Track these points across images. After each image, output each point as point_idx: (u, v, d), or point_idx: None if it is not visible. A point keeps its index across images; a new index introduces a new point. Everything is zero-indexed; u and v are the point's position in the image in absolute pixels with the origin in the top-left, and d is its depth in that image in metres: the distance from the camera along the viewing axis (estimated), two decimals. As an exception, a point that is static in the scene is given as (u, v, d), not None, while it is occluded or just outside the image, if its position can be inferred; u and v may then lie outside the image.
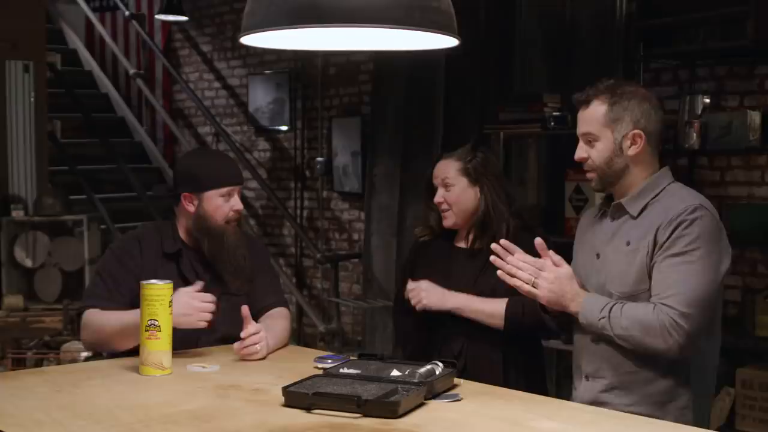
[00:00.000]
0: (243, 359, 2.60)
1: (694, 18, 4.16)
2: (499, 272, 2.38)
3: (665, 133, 4.37)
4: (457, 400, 2.19)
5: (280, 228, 6.96)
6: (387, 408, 2.02)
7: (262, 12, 2.10)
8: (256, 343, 2.60)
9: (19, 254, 6.03)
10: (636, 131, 2.34)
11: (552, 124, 4.43)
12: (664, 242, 2.27)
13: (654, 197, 2.36)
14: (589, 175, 2.43)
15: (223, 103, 7.47)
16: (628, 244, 2.34)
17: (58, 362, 4.66)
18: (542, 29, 4.97)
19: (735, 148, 4.02)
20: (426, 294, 2.82)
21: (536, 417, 2.07)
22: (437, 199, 2.92)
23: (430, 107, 5.44)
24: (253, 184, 6.94)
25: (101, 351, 2.77)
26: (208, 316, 2.58)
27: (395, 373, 2.29)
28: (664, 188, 2.38)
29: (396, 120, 5.68)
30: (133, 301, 2.60)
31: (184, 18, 6.92)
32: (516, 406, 2.19)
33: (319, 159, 6.49)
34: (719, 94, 4.26)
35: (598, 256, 2.43)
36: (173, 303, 2.46)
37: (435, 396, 2.19)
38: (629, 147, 2.35)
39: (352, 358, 2.51)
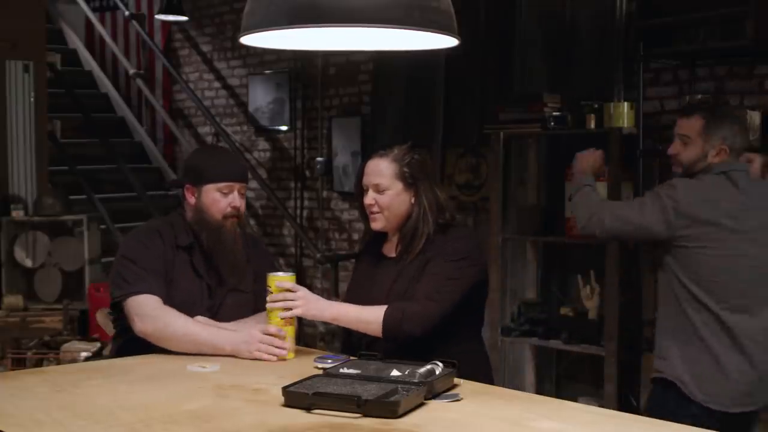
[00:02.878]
0: (254, 359, 2.59)
1: (694, 18, 4.16)
2: None
3: (665, 132, 4.41)
4: (457, 400, 2.19)
5: (280, 228, 6.96)
6: (387, 408, 2.02)
7: (262, 12, 2.10)
8: (282, 347, 2.62)
9: (19, 254, 6.03)
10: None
11: (552, 124, 4.43)
12: None
13: None
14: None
15: (223, 103, 7.47)
16: None
17: (58, 362, 4.66)
18: (542, 29, 4.97)
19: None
20: (303, 302, 2.64)
21: (536, 417, 2.07)
22: (368, 201, 2.75)
23: (430, 107, 5.44)
24: (253, 184, 6.93)
25: (158, 345, 2.68)
26: (264, 355, 2.60)
27: (395, 373, 2.29)
28: None
29: (396, 120, 5.68)
30: (162, 286, 2.69)
31: (184, 18, 6.92)
32: (516, 406, 2.19)
33: (319, 159, 6.49)
34: (719, 94, 4.26)
35: None
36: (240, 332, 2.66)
37: (435, 396, 2.19)
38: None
39: (352, 358, 2.51)
